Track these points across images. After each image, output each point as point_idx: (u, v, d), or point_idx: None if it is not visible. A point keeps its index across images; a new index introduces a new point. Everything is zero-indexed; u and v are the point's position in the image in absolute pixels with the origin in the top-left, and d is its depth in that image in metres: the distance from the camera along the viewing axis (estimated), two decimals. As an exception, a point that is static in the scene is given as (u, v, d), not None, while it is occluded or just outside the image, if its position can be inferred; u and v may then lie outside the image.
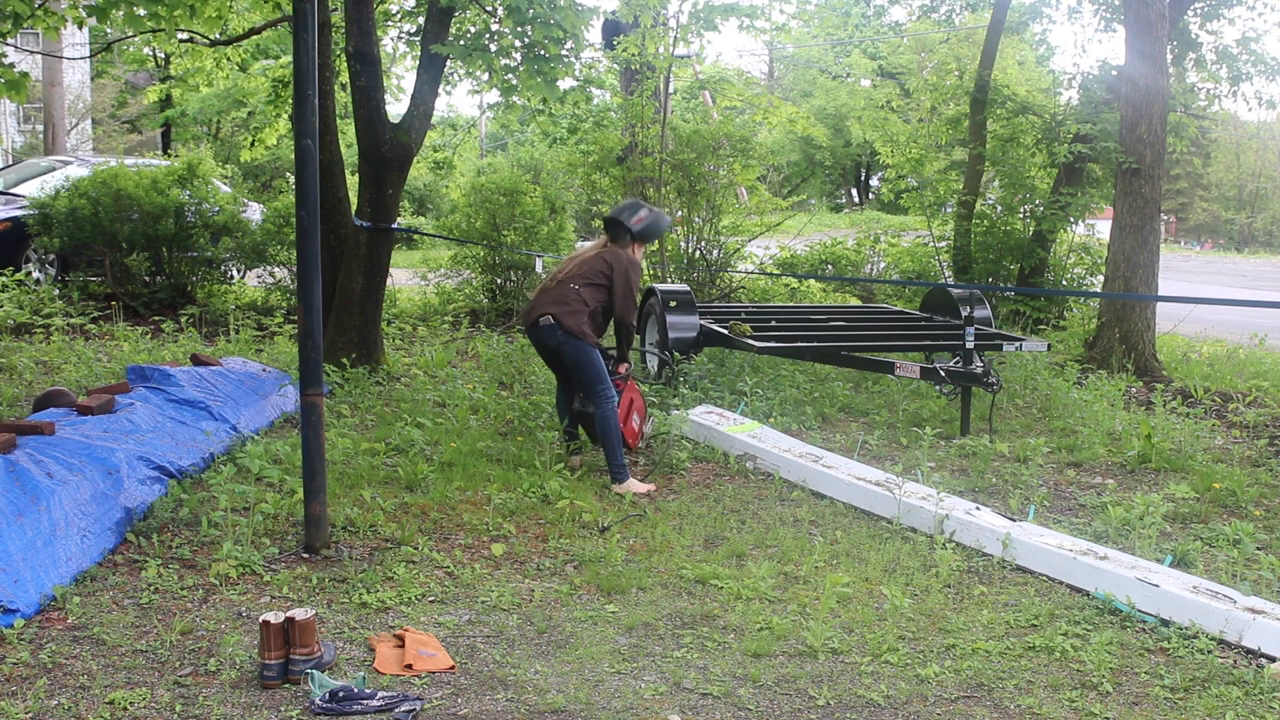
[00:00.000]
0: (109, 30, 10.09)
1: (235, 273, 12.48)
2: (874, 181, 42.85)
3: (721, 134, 12.19)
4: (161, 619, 3.97)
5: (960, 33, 23.29)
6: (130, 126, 26.50)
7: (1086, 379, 8.75)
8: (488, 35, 7.84)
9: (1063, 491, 6.21)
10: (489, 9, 7.98)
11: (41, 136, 21.17)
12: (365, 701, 3.38)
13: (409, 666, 3.67)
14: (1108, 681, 3.74)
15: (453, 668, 3.71)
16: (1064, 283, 12.44)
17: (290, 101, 8.98)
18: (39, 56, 17.11)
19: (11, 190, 12.13)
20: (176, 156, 14.26)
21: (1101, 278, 10.94)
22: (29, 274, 11.18)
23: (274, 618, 3.53)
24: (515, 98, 7.81)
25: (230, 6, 8.74)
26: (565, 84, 8.67)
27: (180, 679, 3.53)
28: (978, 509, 5.35)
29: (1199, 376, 9.46)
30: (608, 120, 13.71)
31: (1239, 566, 4.82)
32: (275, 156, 21.87)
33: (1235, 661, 3.92)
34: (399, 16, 11.37)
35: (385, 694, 3.45)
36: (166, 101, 17.73)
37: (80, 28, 9.03)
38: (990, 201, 13.31)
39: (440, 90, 8.45)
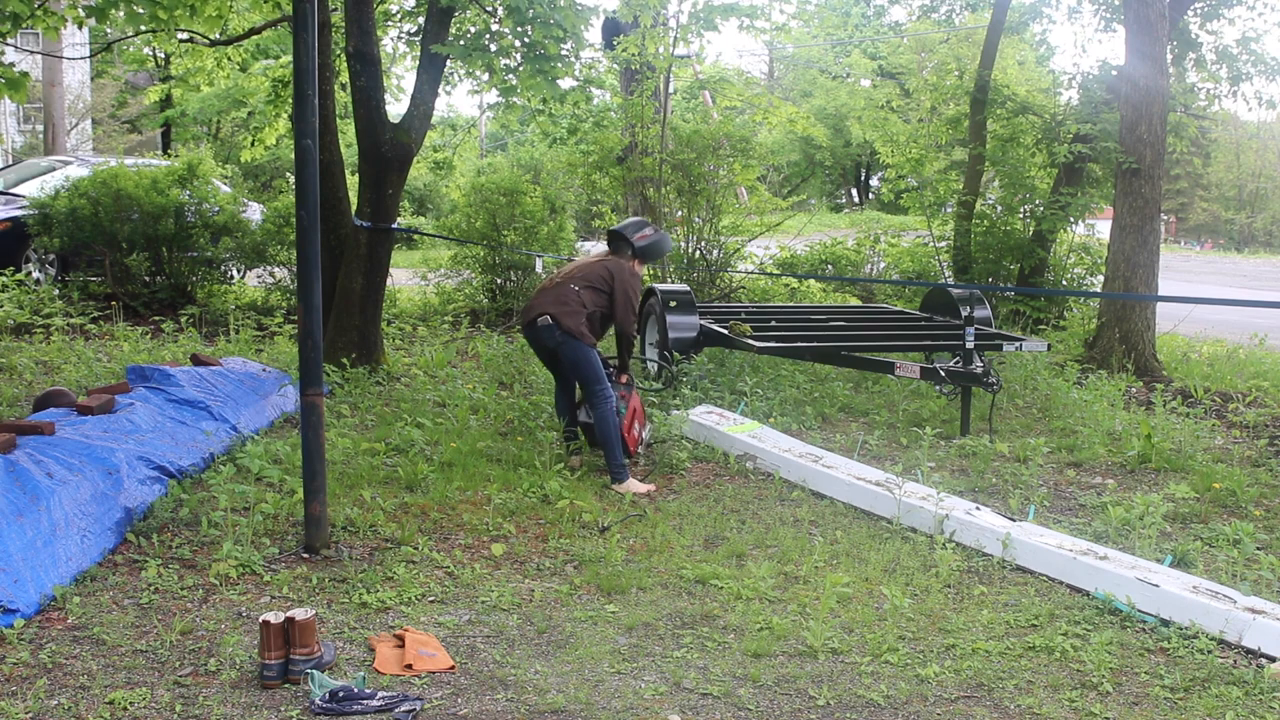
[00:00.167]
0: (109, 30, 10.10)
1: (235, 273, 12.48)
2: (874, 181, 42.86)
3: (721, 134, 12.19)
4: (161, 619, 3.97)
5: (960, 33, 23.30)
6: (130, 126, 26.49)
7: (1086, 379, 8.75)
8: (488, 35, 7.85)
9: (1063, 491, 6.21)
10: (489, 9, 7.98)
11: (41, 136, 21.17)
12: (365, 701, 3.38)
13: (409, 666, 3.67)
14: (1108, 681, 3.74)
15: (453, 668, 3.71)
16: (1064, 283, 12.44)
17: (290, 101, 8.98)
18: (39, 56, 17.11)
19: (11, 190, 12.13)
20: (176, 156, 14.26)
21: (1101, 278, 10.94)
22: (29, 274, 11.18)
23: (274, 618, 3.53)
24: (515, 98, 7.82)
25: (230, 6, 8.73)
26: (565, 84, 8.67)
27: (180, 679, 3.53)
28: (978, 509, 5.35)
29: (1199, 376, 9.46)
30: (608, 120, 13.71)
31: (1239, 566, 4.82)
32: (275, 156, 21.86)
33: (1235, 661, 3.92)
34: (399, 16, 11.37)
35: (385, 694, 3.45)
36: (166, 101, 17.73)
37: (80, 28, 9.04)
38: (990, 201, 13.31)
39: (440, 90, 8.45)
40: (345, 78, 8.68)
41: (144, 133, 26.37)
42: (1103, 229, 12.00)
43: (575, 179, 13.68)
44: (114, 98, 24.89)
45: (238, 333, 9.51)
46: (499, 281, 12.21)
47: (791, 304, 11.59)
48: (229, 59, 11.31)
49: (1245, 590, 4.43)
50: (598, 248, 14.70)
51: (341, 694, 3.39)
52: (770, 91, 27.47)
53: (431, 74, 8.09)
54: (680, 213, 12.40)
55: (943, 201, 13.47)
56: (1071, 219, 12.15)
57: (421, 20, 9.48)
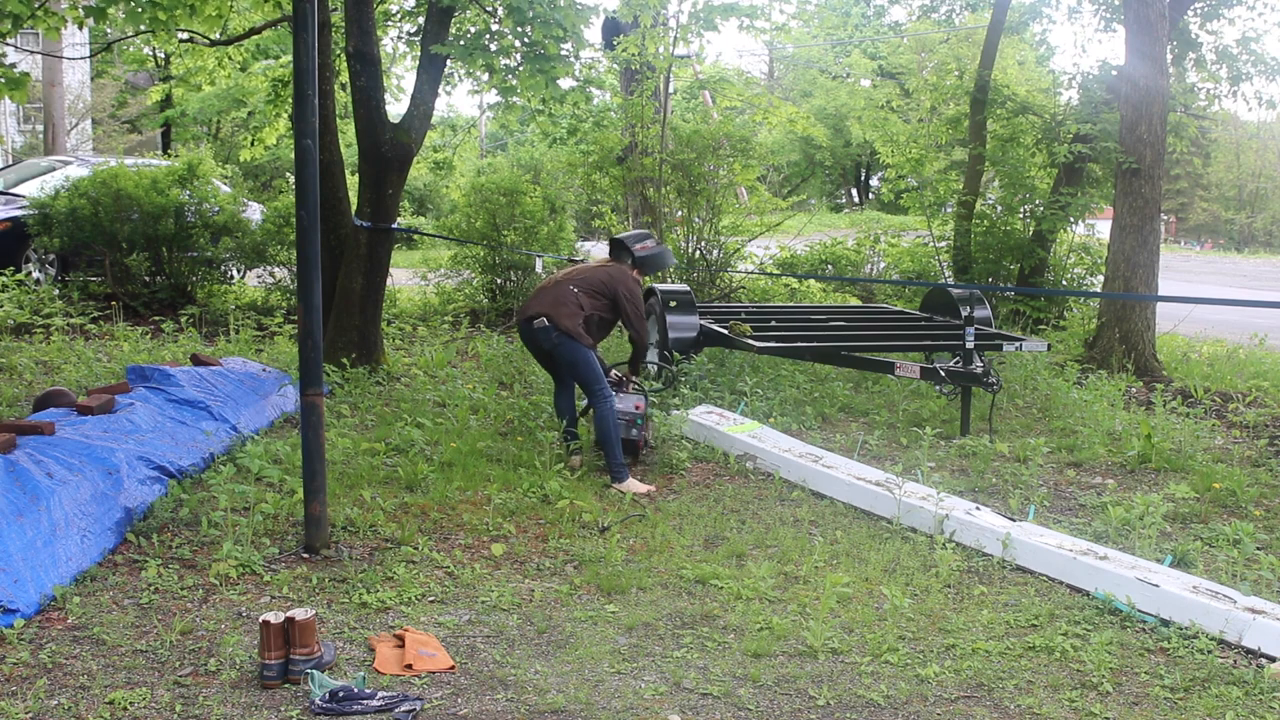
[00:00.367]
0: (109, 30, 10.09)
1: (235, 273, 12.48)
2: (874, 181, 42.84)
3: (721, 134, 12.19)
4: (161, 619, 3.97)
5: (960, 33, 23.29)
6: (130, 126, 26.48)
7: (1086, 379, 8.75)
8: (488, 35, 7.85)
9: (1063, 491, 6.21)
10: (489, 9, 7.98)
11: (41, 136, 21.16)
12: (365, 701, 3.38)
13: (409, 666, 3.67)
14: (1108, 681, 3.74)
15: (453, 668, 3.71)
16: (1064, 283, 12.44)
17: (290, 101, 8.98)
18: (39, 56, 17.10)
19: (11, 190, 12.12)
20: (176, 156, 14.26)
21: (1101, 278, 10.94)
22: (29, 274, 11.18)
23: (274, 618, 3.53)
24: (515, 98, 7.82)
25: (230, 6, 8.73)
26: (565, 84, 8.68)
27: (180, 679, 3.53)
28: (978, 509, 5.35)
29: (1199, 376, 9.46)
30: (608, 120, 13.70)
31: (1239, 566, 4.82)
32: (275, 156, 21.86)
33: (1235, 661, 3.92)
34: (399, 16, 11.36)
35: (385, 694, 3.45)
36: (166, 101, 17.72)
37: (80, 28, 9.03)
38: (990, 201, 13.31)
39: (440, 90, 8.45)
40: (345, 78, 8.68)
41: (144, 133, 26.35)
42: (1103, 229, 12.00)
43: (575, 179, 13.68)
44: (114, 98, 24.87)
45: (238, 333, 9.51)
46: (499, 281, 12.21)
47: (791, 304, 11.59)
48: (230, 59, 11.31)
49: (1245, 590, 4.43)
50: (597, 248, 14.72)
51: (341, 694, 3.39)
52: (770, 91, 27.47)
53: (431, 74, 8.09)
54: (680, 213, 12.40)
55: (943, 201, 13.47)
56: (1071, 219, 12.15)
57: (421, 20, 9.48)
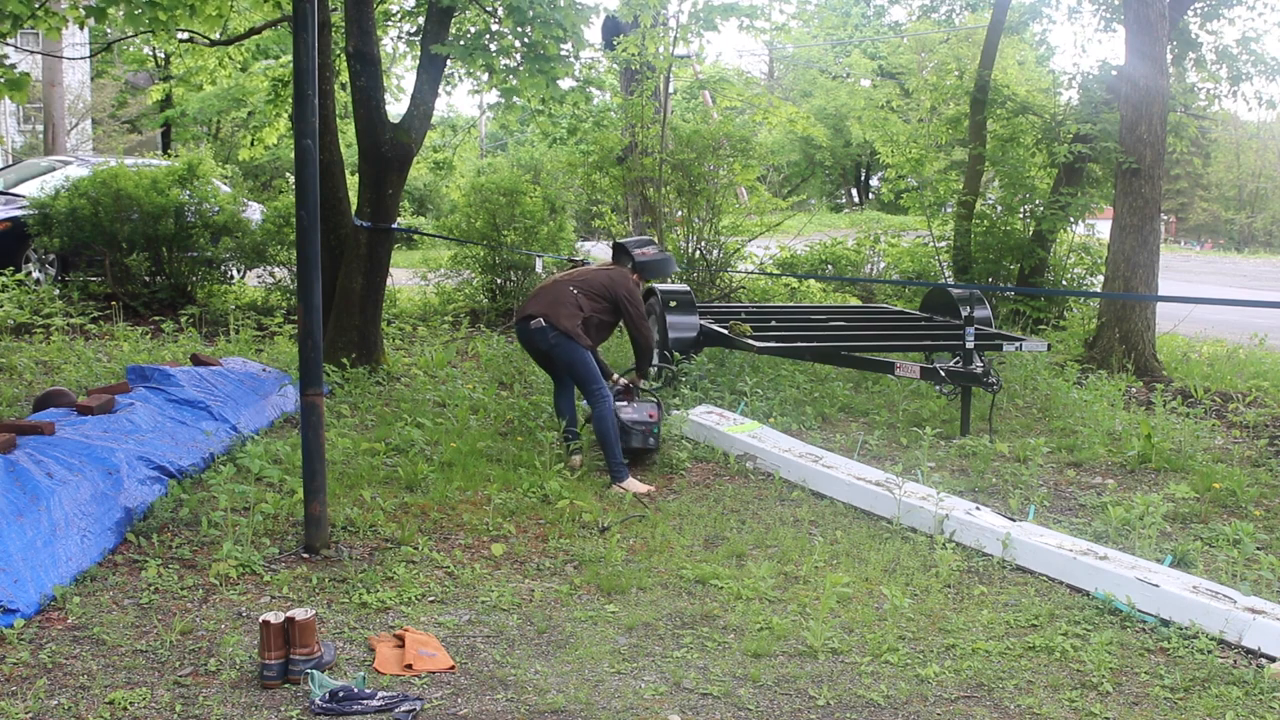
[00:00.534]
0: (109, 30, 10.09)
1: (235, 273, 12.48)
2: (874, 181, 42.84)
3: (721, 134, 12.19)
4: (161, 619, 3.97)
5: (960, 33, 23.28)
6: (130, 126, 26.47)
7: (1086, 379, 8.75)
8: (488, 35, 7.84)
9: (1063, 491, 6.21)
10: (489, 9, 7.98)
11: (41, 136, 21.16)
12: (365, 701, 3.38)
13: (409, 666, 3.67)
14: (1108, 681, 3.74)
15: (453, 668, 3.71)
16: (1064, 283, 12.44)
17: (290, 101, 8.98)
18: (39, 56, 17.10)
19: (11, 190, 12.12)
20: (176, 156, 14.25)
21: (1101, 278, 10.94)
22: (29, 274, 11.18)
23: (274, 618, 3.53)
24: (516, 98, 7.81)
25: (230, 6, 8.73)
26: (565, 84, 8.67)
27: (180, 679, 3.53)
28: (978, 509, 5.35)
29: (1199, 376, 9.46)
30: (608, 120, 13.70)
31: (1239, 566, 4.82)
32: (275, 156, 21.86)
33: (1235, 661, 3.92)
34: (399, 16, 11.37)
35: (385, 694, 3.45)
36: (166, 101, 17.73)
37: (81, 28, 9.03)
38: (990, 201, 13.31)
39: (440, 90, 8.45)
40: (345, 78, 8.68)
41: (144, 133, 26.35)
42: (1103, 229, 12.00)
43: (575, 179, 13.67)
44: (114, 98, 24.86)
45: (238, 333, 9.51)
46: (499, 281, 12.21)
47: (791, 304, 11.59)
48: (230, 58, 11.31)
49: (1245, 590, 4.43)
50: (597, 248, 14.72)
51: (341, 694, 3.39)
52: (770, 91, 27.47)
53: (431, 74, 8.09)
54: (680, 213, 12.40)
55: (943, 201, 13.47)
56: (1071, 219, 12.15)
57: (421, 20, 9.48)
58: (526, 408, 7.16)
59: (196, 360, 7.18)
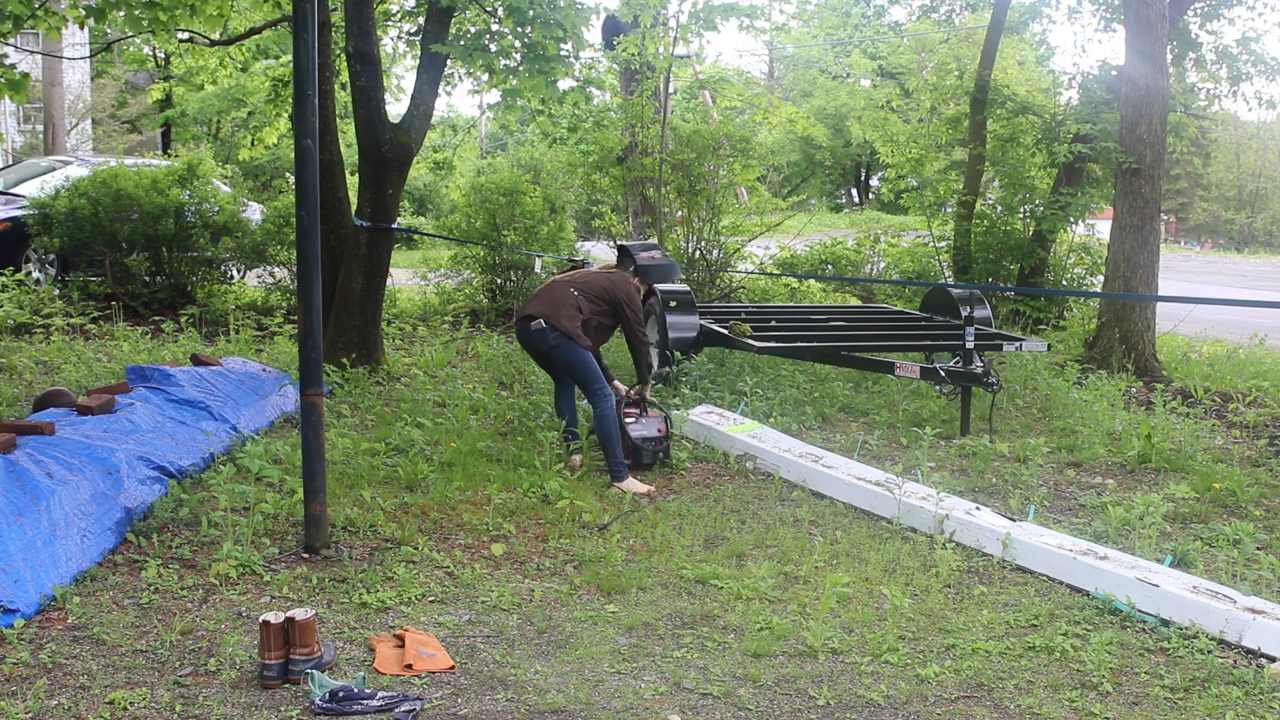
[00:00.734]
0: (109, 30, 10.09)
1: (235, 273, 12.48)
2: (874, 181, 42.83)
3: (721, 134, 12.19)
4: (161, 619, 3.97)
5: (960, 33, 23.28)
6: (130, 126, 26.47)
7: (1086, 379, 8.75)
8: (488, 35, 7.84)
9: (1063, 491, 6.21)
10: (489, 9, 7.98)
11: (41, 136, 21.16)
12: (365, 701, 3.38)
13: (409, 666, 3.67)
14: (1108, 681, 3.74)
15: (453, 668, 3.71)
16: (1064, 283, 12.44)
17: (290, 101, 8.98)
18: (39, 56, 17.10)
19: (11, 190, 12.12)
20: (176, 156, 14.25)
21: (1101, 278, 10.94)
22: (29, 274, 11.18)
23: (274, 618, 3.53)
24: (516, 99, 7.82)
25: (231, 6, 8.73)
26: (565, 84, 8.68)
27: (180, 679, 3.53)
28: (978, 509, 5.35)
29: (1199, 376, 9.46)
30: (608, 120, 13.70)
31: (1239, 566, 4.82)
32: (275, 156, 21.87)
33: (1235, 661, 3.92)
34: (399, 16, 11.37)
35: (385, 694, 3.45)
36: (166, 101, 17.73)
37: (81, 28, 9.03)
38: (990, 201, 13.31)
39: (440, 90, 8.45)
40: (345, 78, 8.68)
41: (144, 133, 26.35)
42: (1103, 229, 12.00)
43: (575, 179, 13.67)
44: (114, 98, 24.86)
45: (238, 333, 9.51)
46: (499, 281, 12.21)
47: (791, 304, 11.59)
48: (230, 58, 11.31)
49: (1245, 590, 4.43)
50: (597, 248, 14.72)
51: (341, 694, 3.39)
52: (770, 91, 27.47)
53: (431, 74, 8.09)
54: (680, 213, 12.40)
55: (943, 201, 13.47)
56: (1071, 219, 12.15)
57: (421, 20, 9.48)
58: (526, 408, 7.16)
59: (196, 360, 7.18)
